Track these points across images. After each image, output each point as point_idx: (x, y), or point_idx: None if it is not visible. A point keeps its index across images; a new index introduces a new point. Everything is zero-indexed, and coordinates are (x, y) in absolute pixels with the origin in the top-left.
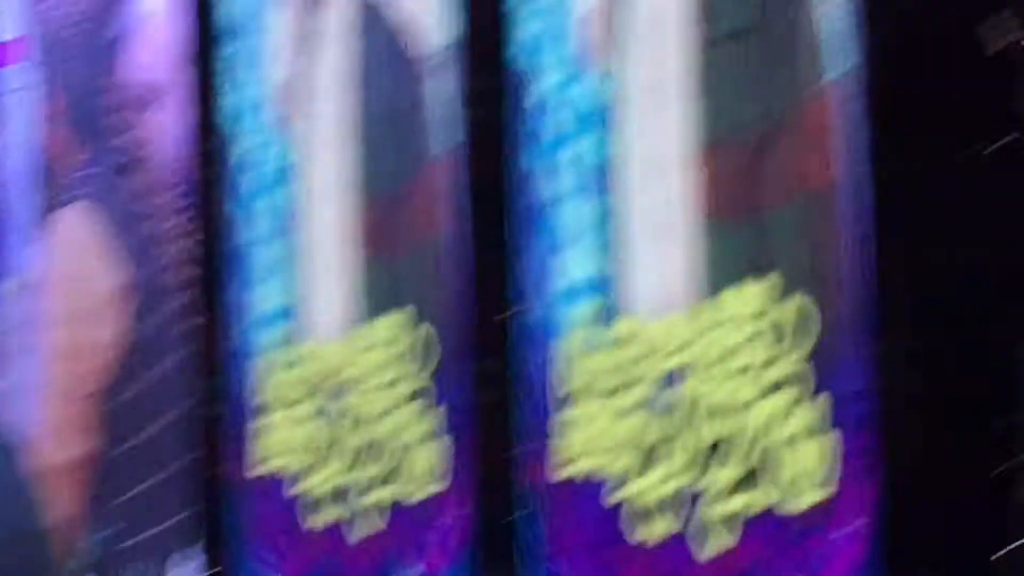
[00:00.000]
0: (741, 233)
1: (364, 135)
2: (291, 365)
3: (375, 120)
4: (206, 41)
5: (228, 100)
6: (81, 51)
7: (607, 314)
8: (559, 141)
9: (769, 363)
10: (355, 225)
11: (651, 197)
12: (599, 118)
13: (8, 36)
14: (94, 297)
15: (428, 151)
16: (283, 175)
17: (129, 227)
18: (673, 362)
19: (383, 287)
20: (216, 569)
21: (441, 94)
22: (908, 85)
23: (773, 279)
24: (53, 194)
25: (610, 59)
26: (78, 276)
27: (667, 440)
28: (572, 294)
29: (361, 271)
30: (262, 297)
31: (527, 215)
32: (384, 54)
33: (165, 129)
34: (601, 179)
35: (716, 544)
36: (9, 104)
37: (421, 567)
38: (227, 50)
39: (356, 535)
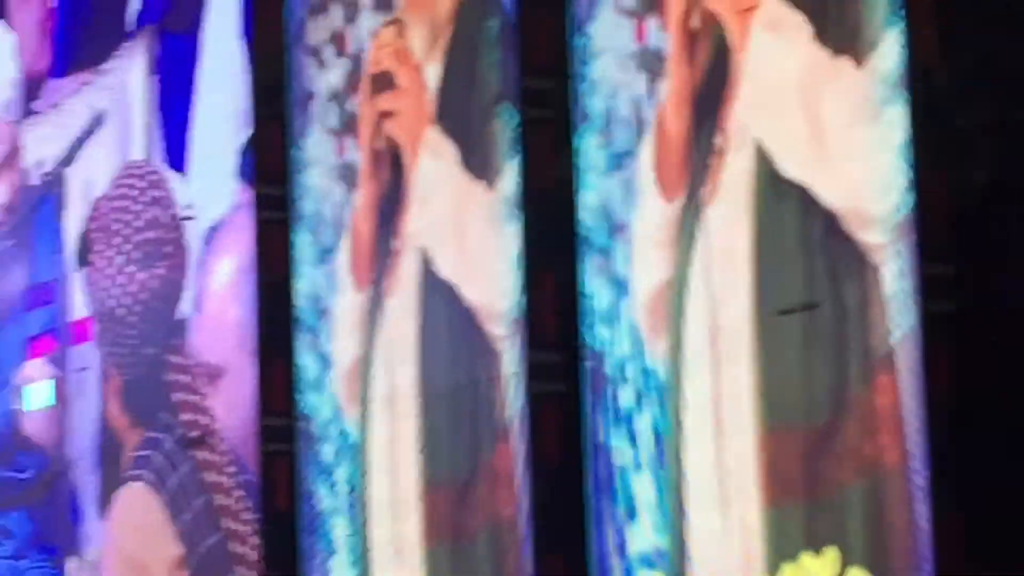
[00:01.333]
0: (801, 512)
1: (429, 408)
2: None
3: (440, 393)
4: (272, 320)
5: (294, 377)
6: (144, 331)
7: None
8: (623, 413)
9: None
10: (420, 515)
11: (711, 471)
12: (661, 391)
13: (76, 316)
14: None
15: (497, 425)
16: (352, 450)
17: (188, 503)
18: None
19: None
20: None
21: (506, 369)
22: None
23: (831, 555)
24: (113, 472)
25: (671, 335)
26: (135, 555)
27: None
28: (639, 564)
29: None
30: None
31: (600, 485)
32: (450, 330)
33: (229, 406)
34: (663, 451)
35: None
36: (75, 382)
37: None
38: (294, 328)
39: None
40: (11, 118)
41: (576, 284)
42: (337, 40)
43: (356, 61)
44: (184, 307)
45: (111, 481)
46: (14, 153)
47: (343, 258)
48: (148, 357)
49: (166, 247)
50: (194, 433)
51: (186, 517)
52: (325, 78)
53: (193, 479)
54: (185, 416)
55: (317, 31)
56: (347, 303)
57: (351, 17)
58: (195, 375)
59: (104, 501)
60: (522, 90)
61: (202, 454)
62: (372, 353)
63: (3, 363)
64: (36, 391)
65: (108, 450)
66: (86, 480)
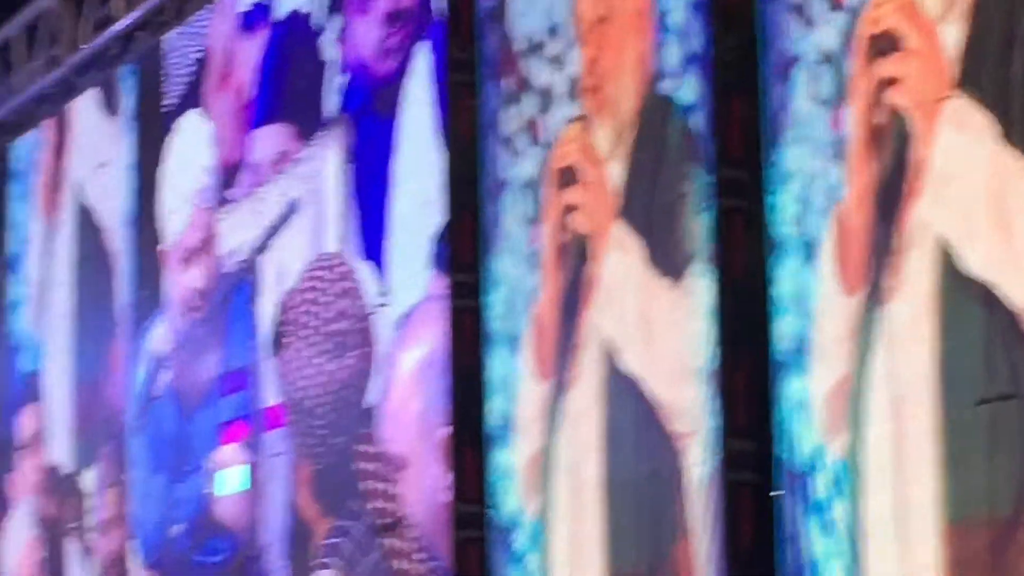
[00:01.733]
0: None
1: (613, 501)
2: None
3: (624, 485)
4: (464, 408)
5: (485, 469)
6: (333, 419)
7: None
8: (816, 503)
9: None
10: None
11: (896, 565)
12: (846, 488)
13: (268, 403)
14: None
15: (681, 519)
16: (537, 540)
17: None
18: None
19: None
20: None
21: (691, 463)
22: None
23: None
24: (302, 559)
25: (852, 427)
26: None
27: None
28: None
29: None
30: None
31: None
32: (635, 424)
33: (418, 494)
34: (853, 545)
35: None
36: (268, 468)
37: None
38: (484, 416)
39: None
40: (207, 205)
41: (767, 373)
42: (530, 129)
43: (549, 150)
44: (371, 397)
45: (301, 568)
46: (209, 240)
47: (527, 348)
48: (337, 446)
49: (355, 338)
50: (385, 520)
51: None
52: (518, 167)
53: (382, 567)
54: (374, 504)
55: (510, 120)
56: (531, 393)
57: (544, 107)
58: (383, 463)
59: None
60: (717, 180)
61: (391, 541)
62: (554, 445)
63: (196, 448)
64: (229, 476)
65: (298, 537)
66: (277, 566)
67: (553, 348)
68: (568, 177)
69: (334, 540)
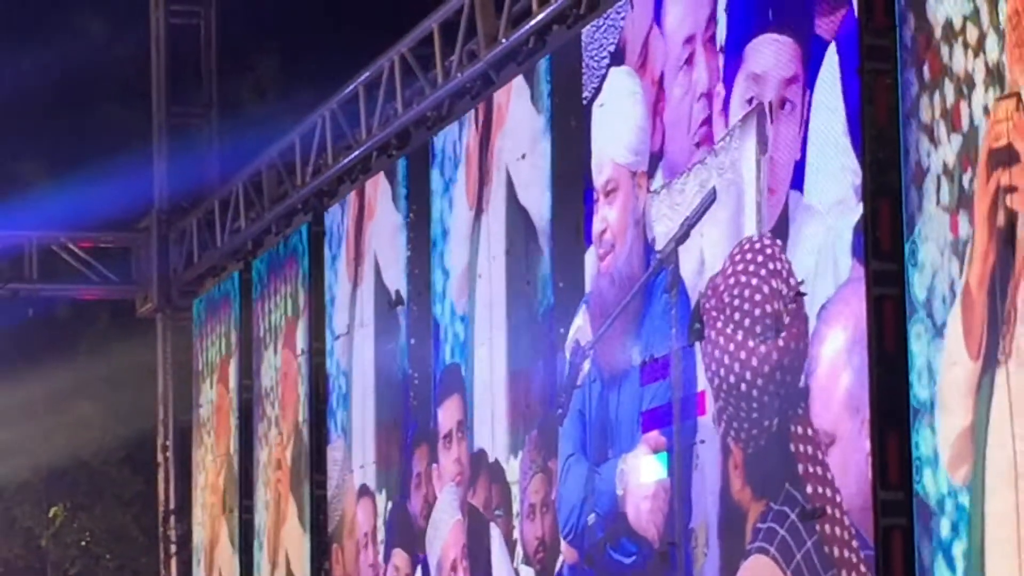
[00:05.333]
0: None
1: None
2: None
3: None
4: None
5: (907, 454)
6: (765, 402)
7: None
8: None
9: None
10: None
11: None
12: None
13: (690, 390)
14: None
15: None
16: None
17: None
18: None
19: None
20: None
21: None
22: None
23: None
24: (734, 544)
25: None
26: None
27: None
28: None
29: None
30: None
31: None
32: None
33: (844, 478)
34: None
35: None
36: (689, 456)
37: None
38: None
39: None
40: (628, 195)
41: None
42: (951, 116)
43: (970, 137)
44: (804, 377)
45: (733, 553)
46: (630, 230)
47: (954, 331)
48: (770, 429)
49: (784, 318)
50: (816, 505)
51: None
52: (938, 154)
53: (819, 554)
54: (808, 488)
55: (929, 107)
56: (959, 375)
57: (965, 92)
58: (816, 445)
59: (726, 572)
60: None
61: (826, 527)
62: (985, 422)
63: (617, 436)
64: (648, 464)
65: (729, 522)
66: (705, 552)
67: (982, 328)
68: (1003, 157)
69: (768, 525)
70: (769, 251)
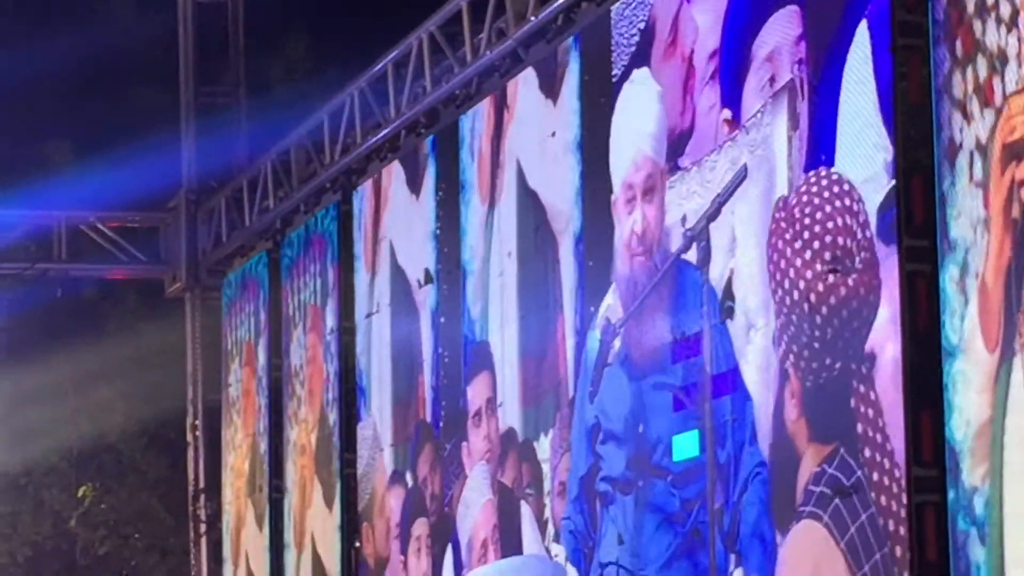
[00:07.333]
0: None
1: None
2: None
3: None
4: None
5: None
6: (827, 337)
7: None
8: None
9: None
10: None
11: None
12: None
13: (719, 369)
14: None
15: None
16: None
17: (855, 553)
18: None
19: None
20: None
21: None
22: None
23: None
24: (787, 504)
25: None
26: None
27: None
28: None
29: None
30: None
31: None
32: None
33: (889, 453)
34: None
35: None
36: (720, 434)
37: None
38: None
39: None
40: (657, 173)
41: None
42: (984, 91)
43: (1000, 114)
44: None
45: (784, 510)
46: (659, 208)
47: (972, 317)
48: (831, 370)
49: (856, 259)
50: (859, 476)
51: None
52: (971, 130)
53: (873, 527)
54: (867, 452)
55: (962, 83)
56: (977, 362)
57: (998, 68)
58: (878, 410)
59: (779, 532)
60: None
61: (881, 499)
62: (1003, 415)
63: (647, 415)
64: (682, 442)
65: (781, 463)
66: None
67: (998, 317)
68: (1017, 151)
69: (821, 490)
70: (846, 187)
